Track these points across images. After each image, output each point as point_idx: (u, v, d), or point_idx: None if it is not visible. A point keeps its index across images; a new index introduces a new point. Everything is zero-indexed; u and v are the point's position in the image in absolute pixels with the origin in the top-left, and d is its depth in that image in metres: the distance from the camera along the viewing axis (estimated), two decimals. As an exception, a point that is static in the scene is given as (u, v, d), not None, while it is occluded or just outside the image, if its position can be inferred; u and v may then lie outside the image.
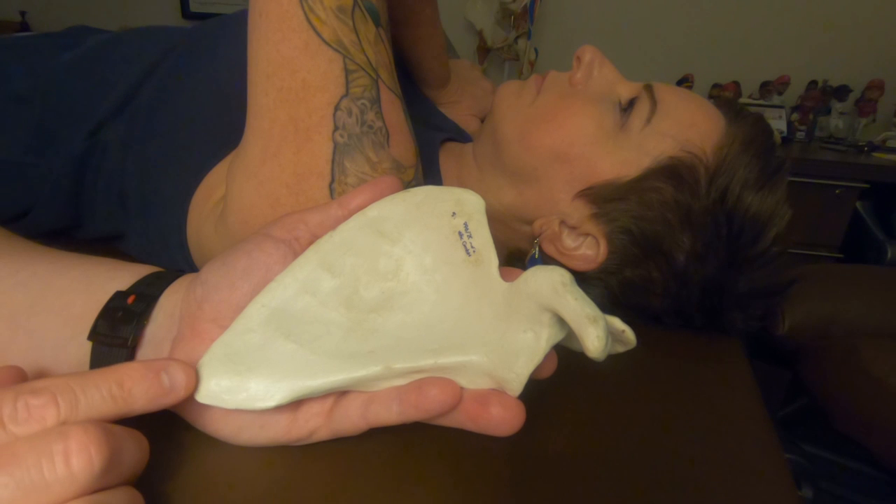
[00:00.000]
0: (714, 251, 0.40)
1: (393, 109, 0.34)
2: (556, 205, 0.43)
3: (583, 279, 0.43)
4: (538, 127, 0.43)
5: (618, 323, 0.23)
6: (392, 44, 0.36)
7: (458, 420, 0.24)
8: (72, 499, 0.16)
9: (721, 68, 1.76)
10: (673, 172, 0.40)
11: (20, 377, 0.21)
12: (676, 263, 0.40)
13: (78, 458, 0.16)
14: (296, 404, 0.24)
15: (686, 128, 0.41)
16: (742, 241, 0.40)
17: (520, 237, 0.46)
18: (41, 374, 0.23)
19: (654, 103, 0.42)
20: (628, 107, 0.42)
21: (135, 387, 0.20)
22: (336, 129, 0.31)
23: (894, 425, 0.67)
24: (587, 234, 0.42)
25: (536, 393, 0.24)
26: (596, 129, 0.42)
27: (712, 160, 0.40)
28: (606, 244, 0.41)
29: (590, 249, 0.42)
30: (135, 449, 0.19)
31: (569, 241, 0.43)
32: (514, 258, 0.47)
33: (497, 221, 0.46)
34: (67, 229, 0.50)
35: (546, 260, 0.44)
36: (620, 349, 0.25)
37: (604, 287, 0.43)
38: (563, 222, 0.43)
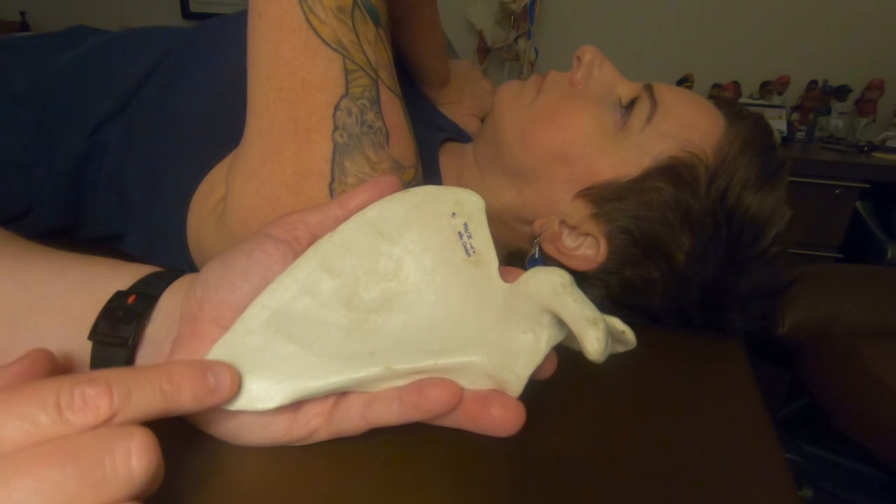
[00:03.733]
0: (714, 251, 0.40)
1: (393, 109, 0.34)
2: (556, 205, 0.43)
3: (583, 279, 0.43)
4: (538, 127, 0.43)
5: (617, 324, 0.23)
6: (392, 44, 0.36)
7: (458, 420, 0.24)
8: (124, 499, 0.16)
9: (721, 68, 1.76)
10: (673, 172, 0.40)
11: (50, 360, 0.21)
12: (676, 263, 0.40)
13: (138, 459, 0.16)
14: (296, 405, 0.24)
15: (686, 128, 0.41)
16: (742, 241, 0.40)
17: (520, 237, 0.46)
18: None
19: (654, 103, 0.42)
20: (628, 107, 0.42)
21: (182, 383, 0.20)
22: (336, 128, 0.31)
23: (894, 425, 0.67)
24: (587, 234, 0.42)
25: (536, 393, 0.24)
26: (596, 129, 0.42)
27: (712, 160, 0.40)
28: (606, 244, 0.41)
29: (590, 249, 0.42)
30: (163, 467, 0.19)
31: (569, 240, 0.43)
32: (514, 258, 0.47)
33: (497, 221, 0.46)
34: (67, 229, 0.50)
35: (546, 259, 0.44)
36: (620, 349, 0.25)
37: (604, 287, 0.43)
38: (562, 222, 0.43)
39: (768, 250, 0.40)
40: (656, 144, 0.41)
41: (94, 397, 0.17)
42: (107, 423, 0.17)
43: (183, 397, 0.20)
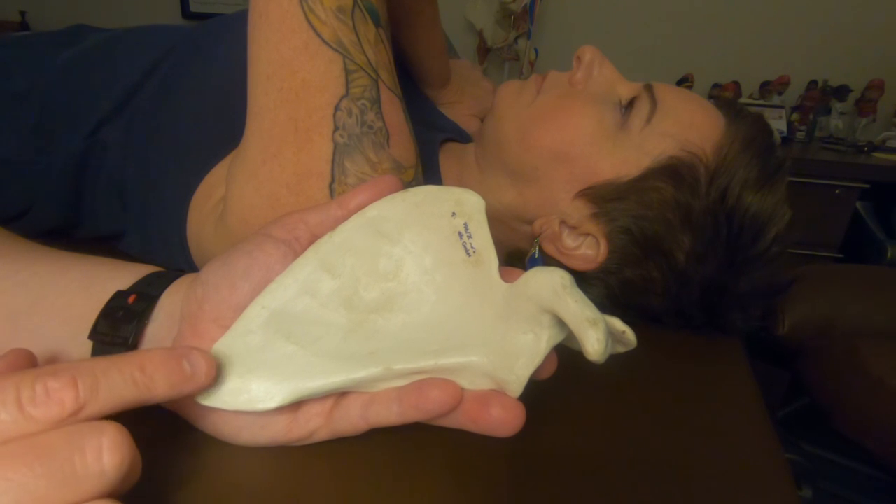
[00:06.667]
0: (714, 251, 0.40)
1: (393, 109, 0.34)
2: (557, 204, 0.43)
3: (583, 279, 0.43)
4: (538, 127, 0.43)
5: (618, 324, 0.23)
6: (392, 44, 0.36)
7: (458, 421, 0.24)
8: (97, 497, 0.16)
9: (721, 68, 1.76)
10: (673, 172, 0.40)
11: (30, 360, 0.21)
12: (676, 263, 0.40)
13: (110, 455, 0.16)
14: (296, 405, 0.24)
15: (686, 128, 0.41)
16: (742, 241, 0.40)
17: (520, 237, 0.46)
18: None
19: (653, 103, 0.42)
20: (628, 107, 0.42)
21: (156, 372, 0.19)
22: (336, 129, 0.31)
23: (894, 425, 0.67)
24: (587, 234, 0.42)
25: (536, 393, 0.24)
26: (596, 128, 0.42)
27: (712, 160, 0.40)
28: (607, 244, 0.41)
29: (590, 249, 0.42)
30: (139, 462, 0.18)
31: (569, 240, 0.43)
32: (514, 258, 0.47)
33: (497, 221, 0.46)
34: (67, 229, 0.50)
35: (546, 259, 0.44)
36: (621, 350, 0.25)
37: (604, 287, 0.43)
38: (563, 222, 0.43)
39: (768, 250, 0.40)
40: (656, 144, 0.41)
41: (57, 390, 0.16)
42: (74, 416, 0.17)
43: (157, 386, 0.19)
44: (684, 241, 0.40)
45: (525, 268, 0.44)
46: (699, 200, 0.40)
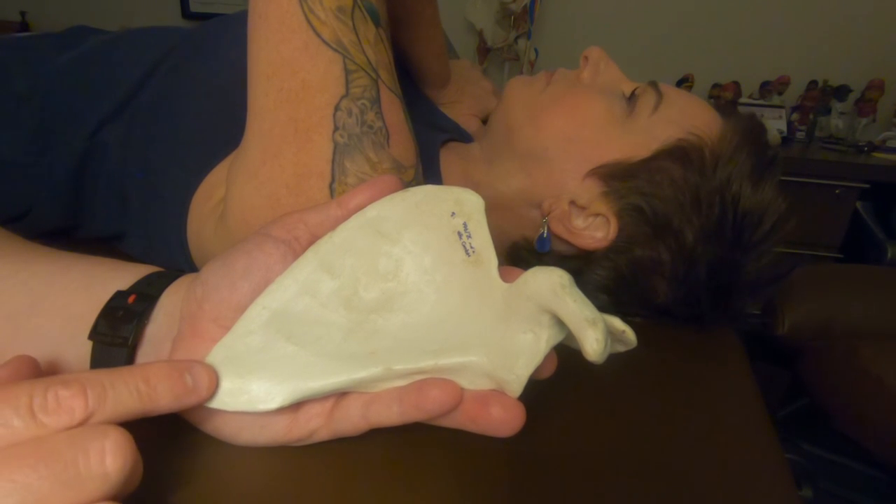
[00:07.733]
0: (721, 232, 0.41)
1: (393, 109, 0.34)
2: (566, 185, 0.43)
3: (592, 259, 0.43)
4: (550, 110, 0.45)
5: (618, 323, 0.23)
6: (392, 44, 0.36)
7: (458, 421, 0.24)
8: (100, 500, 0.16)
9: (721, 68, 1.76)
10: (681, 153, 0.41)
11: (34, 366, 0.21)
12: (685, 243, 0.41)
13: (113, 458, 0.16)
14: (296, 405, 0.24)
15: (690, 117, 0.43)
16: (745, 224, 0.41)
17: (527, 224, 0.46)
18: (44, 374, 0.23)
19: (659, 94, 0.43)
20: (633, 98, 0.44)
21: (160, 384, 0.20)
22: (336, 129, 0.31)
23: (894, 425, 0.67)
24: (597, 215, 0.43)
25: (536, 393, 0.24)
26: (605, 115, 0.43)
27: (717, 145, 0.42)
28: (617, 222, 0.42)
29: (599, 230, 0.43)
30: (141, 465, 0.19)
31: (578, 221, 0.43)
32: (520, 248, 0.47)
33: (504, 209, 0.46)
34: (67, 229, 0.50)
35: (555, 240, 0.44)
36: (621, 349, 0.25)
37: (612, 268, 0.43)
38: (572, 202, 0.43)
39: (769, 237, 0.42)
40: (664, 129, 0.42)
41: (67, 399, 0.17)
42: (82, 424, 0.17)
43: (160, 398, 0.20)
44: (693, 221, 0.41)
45: (535, 248, 0.44)
46: (707, 181, 0.41)
